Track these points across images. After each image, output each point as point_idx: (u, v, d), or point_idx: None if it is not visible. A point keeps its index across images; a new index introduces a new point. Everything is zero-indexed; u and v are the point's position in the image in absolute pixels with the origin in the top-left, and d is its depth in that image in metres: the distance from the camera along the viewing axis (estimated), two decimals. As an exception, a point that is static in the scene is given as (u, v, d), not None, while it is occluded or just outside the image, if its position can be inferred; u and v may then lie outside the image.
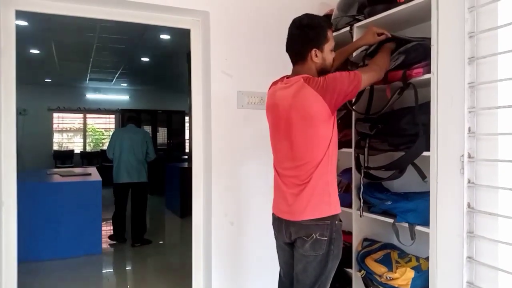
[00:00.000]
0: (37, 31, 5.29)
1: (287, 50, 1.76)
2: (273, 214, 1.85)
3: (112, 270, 4.09)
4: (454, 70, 1.66)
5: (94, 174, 5.08)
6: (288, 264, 1.83)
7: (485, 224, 1.59)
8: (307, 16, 1.71)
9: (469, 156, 1.62)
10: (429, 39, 1.81)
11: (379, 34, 1.97)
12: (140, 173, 4.65)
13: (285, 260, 1.85)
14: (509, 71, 1.52)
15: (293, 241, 1.72)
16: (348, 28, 2.36)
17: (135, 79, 9.81)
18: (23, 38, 5.56)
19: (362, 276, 2.17)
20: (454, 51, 1.67)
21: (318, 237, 1.62)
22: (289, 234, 1.72)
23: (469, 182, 1.62)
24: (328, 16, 2.57)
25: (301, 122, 1.64)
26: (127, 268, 4.01)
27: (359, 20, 2.30)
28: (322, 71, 1.75)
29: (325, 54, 1.72)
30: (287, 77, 1.76)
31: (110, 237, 4.90)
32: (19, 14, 4.29)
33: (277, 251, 1.90)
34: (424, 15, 1.90)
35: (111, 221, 4.93)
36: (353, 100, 2.14)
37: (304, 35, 1.68)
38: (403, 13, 2.05)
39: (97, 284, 3.56)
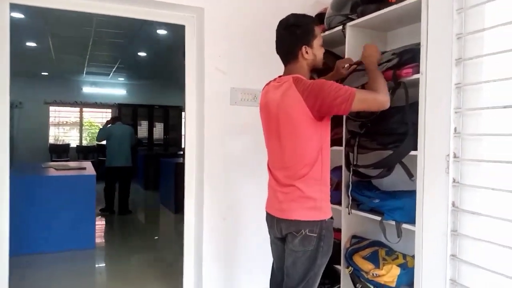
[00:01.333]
0: (33, 24, 5.27)
1: (277, 52, 1.78)
2: (266, 210, 1.88)
3: (104, 264, 4.10)
4: (442, 71, 1.69)
5: (89, 168, 5.08)
6: (281, 259, 1.85)
7: (469, 222, 1.62)
8: (293, 15, 1.75)
9: (455, 156, 1.65)
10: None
11: (344, 67, 2.06)
12: (127, 159, 6.11)
13: (278, 254, 1.88)
14: (494, 72, 1.54)
15: (285, 236, 1.75)
16: (341, 27, 2.38)
17: (132, 73, 9.79)
18: (19, 31, 5.55)
19: (350, 272, 2.20)
20: (442, 52, 1.69)
21: (307, 233, 1.64)
22: (280, 230, 1.75)
23: (454, 181, 1.65)
24: (321, 15, 2.59)
25: (286, 123, 1.66)
26: (120, 262, 4.02)
27: (352, 19, 2.32)
28: (314, 68, 1.78)
29: (315, 50, 1.74)
30: (280, 76, 1.78)
31: (102, 210, 6.07)
32: (15, 7, 4.29)
33: (271, 245, 1.93)
34: (415, 15, 1.92)
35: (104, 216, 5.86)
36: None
37: (292, 34, 1.71)
38: (395, 13, 2.08)
39: (89, 279, 3.57)
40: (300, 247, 1.66)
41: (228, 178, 2.70)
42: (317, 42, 1.74)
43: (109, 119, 6.80)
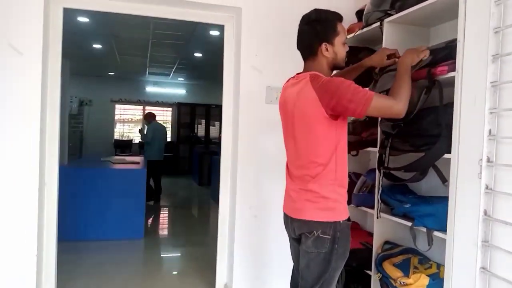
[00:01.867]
0: (98, 27, 5.66)
1: (297, 47, 1.75)
2: (283, 210, 1.86)
3: (150, 254, 4.31)
4: (478, 68, 1.56)
5: (142, 163, 5.35)
6: (298, 259, 1.83)
7: (502, 233, 1.48)
8: (315, 11, 1.71)
9: (488, 160, 1.52)
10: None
11: (389, 57, 1.91)
12: (162, 154, 6.81)
13: (295, 254, 1.86)
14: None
15: (299, 237, 1.72)
16: (378, 24, 2.29)
17: (190, 74, 10.14)
18: (86, 34, 6.00)
19: (379, 279, 2.12)
20: (478, 48, 1.56)
21: (320, 234, 1.60)
22: (293, 230, 1.72)
23: (486, 188, 1.52)
24: (361, 11, 2.51)
25: (301, 120, 1.64)
26: (166, 254, 4.21)
27: (390, 15, 2.22)
28: (335, 67, 1.73)
29: (337, 48, 1.68)
30: (298, 73, 1.75)
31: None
32: (81, 12, 4.62)
33: (290, 246, 1.92)
34: (457, 9, 1.79)
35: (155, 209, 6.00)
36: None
37: (312, 30, 1.67)
38: (435, 7, 1.95)
39: (136, 266, 3.77)
40: (313, 249, 1.62)
41: (260, 177, 2.72)
42: (339, 40, 1.68)
43: (144, 116, 7.45)
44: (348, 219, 1.69)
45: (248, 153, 2.69)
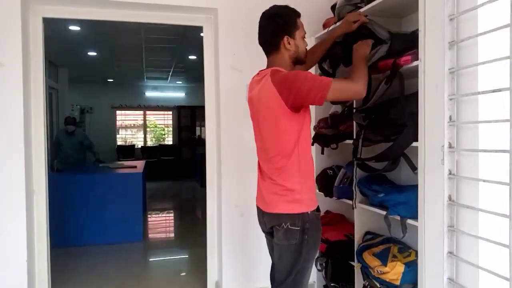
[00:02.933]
0: (90, 35, 5.73)
1: (259, 43, 1.79)
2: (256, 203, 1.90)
3: (149, 257, 4.36)
4: (436, 56, 1.58)
5: (139, 167, 5.41)
6: (273, 253, 1.87)
7: (467, 218, 1.50)
8: (275, 6, 1.76)
9: (450, 146, 1.53)
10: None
11: (355, 22, 1.94)
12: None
13: (271, 248, 1.89)
14: (490, 54, 1.41)
15: (271, 230, 1.75)
16: (349, 17, 2.31)
17: (188, 76, 10.21)
18: (79, 42, 6.07)
19: (359, 268, 2.14)
20: (436, 36, 1.58)
21: (289, 226, 1.63)
22: (264, 223, 1.76)
23: (450, 173, 1.54)
24: (335, 6, 2.53)
25: (265, 115, 1.68)
26: (163, 257, 4.26)
27: (361, 8, 2.24)
28: (297, 60, 1.76)
29: (298, 41, 1.73)
30: (261, 70, 1.78)
31: None
32: (71, 21, 4.68)
33: (266, 240, 1.95)
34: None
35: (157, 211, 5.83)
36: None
37: (274, 24, 1.71)
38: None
39: (135, 269, 3.82)
40: (283, 241, 1.65)
41: (244, 175, 2.73)
42: (299, 34, 1.73)
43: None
44: (317, 210, 1.71)
45: (232, 151, 2.73)
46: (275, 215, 1.67)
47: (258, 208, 1.84)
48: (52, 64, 6.84)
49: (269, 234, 1.80)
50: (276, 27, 1.71)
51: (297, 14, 1.76)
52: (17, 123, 2.38)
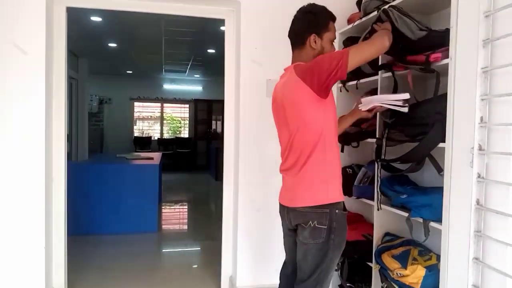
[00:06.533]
0: (111, 26, 5.76)
1: (289, 35, 1.80)
2: (279, 201, 1.87)
3: (162, 247, 4.39)
4: (468, 54, 1.52)
5: (156, 159, 5.44)
6: (292, 251, 1.85)
7: (495, 223, 1.44)
8: (312, 4, 1.78)
9: (480, 148, 1.48)
10: None
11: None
12: None
13: (289, 246, 1.87)
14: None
15: (295, 228, 1.73)
16: (375, 12, 2.24)
17: (206, 70, 10.20)
18: (100, 33, 6.11)
19: (377, 270, 2.10)
20: (469, 33, 1.52)
21: (316, 225, 1.61)
22: (289, 220, 1.74)
23: (478, 176, 1.48)
24: (361, 1, 2.47)
25: (291, 109, 1.67)
26: (177, 248, 4.28)
27: (388, 3, 2.18)
28: None
29: (324, 43, 1.72)
30: (286, 68, 1.80)
31: None
32: (93, 11, 4.71)
33: (283, 238, 1.92)
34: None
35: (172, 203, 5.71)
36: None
37: (305, 19, 1.73)
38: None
39: (149, 259, 3.84)
40: (310, 240, 1.63)
41: (262, 170, 2.72)
42: (327, 36, 1.73)
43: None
44: (344, 209, 1.69)
45: (250, 146, 2.70)
46: (301, 212, 1.65)
47: (281, 206, 1.81)
48: (73, 54, 6.93)
49: (293, 231, 1.78)
50: (306, 23, 1.72)
51: (332, 17, 1.76)
52: (39, 111, 2.40)
